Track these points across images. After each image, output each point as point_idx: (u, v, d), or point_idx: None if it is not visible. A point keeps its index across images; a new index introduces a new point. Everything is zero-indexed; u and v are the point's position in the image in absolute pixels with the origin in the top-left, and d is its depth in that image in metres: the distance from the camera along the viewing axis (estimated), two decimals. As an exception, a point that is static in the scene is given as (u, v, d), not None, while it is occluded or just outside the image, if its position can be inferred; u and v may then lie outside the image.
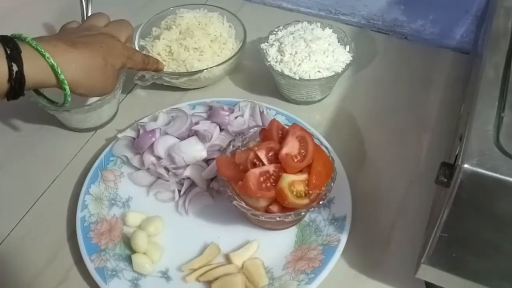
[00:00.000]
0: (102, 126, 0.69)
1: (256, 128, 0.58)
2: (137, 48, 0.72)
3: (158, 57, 0.71)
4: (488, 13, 0.60)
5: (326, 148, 0.56)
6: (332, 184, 0.53)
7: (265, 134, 0.55)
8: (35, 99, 0.62)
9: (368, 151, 0.65)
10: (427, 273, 0.45)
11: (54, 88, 0.53)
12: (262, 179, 0.50)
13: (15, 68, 0.48)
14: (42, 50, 0.50)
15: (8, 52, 0.48)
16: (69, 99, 0.54)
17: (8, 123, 0.71)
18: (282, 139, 0.53)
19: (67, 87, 0.53)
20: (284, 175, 0.50)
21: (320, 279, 0.51)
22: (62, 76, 0.51)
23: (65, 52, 0.52)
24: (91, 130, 0.69)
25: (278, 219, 0.51)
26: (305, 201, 0.50)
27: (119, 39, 0.60)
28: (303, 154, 0.51)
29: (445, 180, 0.41)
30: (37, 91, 0.60)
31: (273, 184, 0.50)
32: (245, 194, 0.50)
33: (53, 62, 0.50)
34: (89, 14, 0.73)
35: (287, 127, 0.55)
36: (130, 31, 0.64)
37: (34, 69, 0.50)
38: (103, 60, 0.55)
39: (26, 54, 0.49)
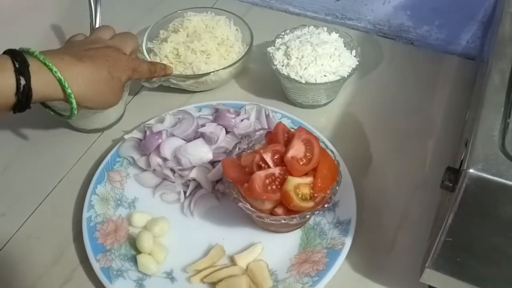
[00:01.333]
0: (109, 127, 0.69)
1: (262, 131, 0.59)
2: (144, 51, 0.73)
3: (165, 60, 0.71)
4: (494, 19, 0.60)
5: (332, 151, 0.56)
6: (337, 187, 0.53)
7: (271, 137, 0.55)
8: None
9: (374, 155, 0.65)
10: (432, 277, 0.45)
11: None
12: (267, 181, 0.50)
13: (22, 81, 0.49)
14: (50, 64, 0.51)
15: (17, 65, 0.49)
16: (76, 112, 0.55)
17: (15, 124, 0.71)
18: (288, 142, 0.53)
19: (73, 101, 0.53)
20: (290, 178, 0.50)
21: (324, 282, 0.51)
22: (69, 90, 0.52)
23: (71, 65, 0.53)
24: (98, 131, 0.69)
25: (283, 221, 0.51)
26: (310, 204, 0.50)
27: (124, 51, 0.61)
28: (309, 157, 0.52)
29: (450, 184, 0.41)
30: (44, 103, 0.61)
31: (279, 186, 0.50)
32: (251, 196, 0.51)
33: (60, 76, 0.51)
34: (98, 15, 0.74)
35: (292, 130, 0.55)
36: (135, 43, 0.64)
37: (41, 82, 0.51)
38: (108, 74, 0.56)
39: (34, 68, 0.50)
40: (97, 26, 0.74)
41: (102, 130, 0.69)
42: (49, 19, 0.86)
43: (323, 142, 0.57)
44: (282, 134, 0.54)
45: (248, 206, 0.52)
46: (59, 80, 0.51)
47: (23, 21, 0.86)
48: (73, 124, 0.69)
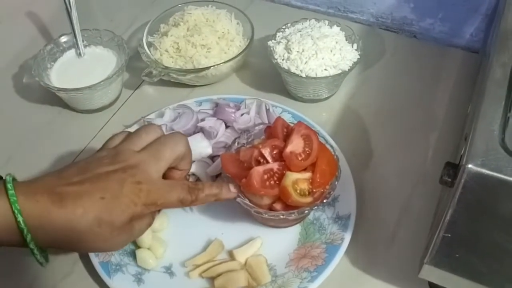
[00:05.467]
0: (104, 108, 0.71)
1: (261, 126, 0.58)
2: (145, 45, 0.72)
3: (165, 54, 0.71)
4: (497, 12, 0.59)
5: (331, 146, 0.56)
6: (336, 183, 0.52)
7: (270, 131, 0.55)
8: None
9: (374, 149, 0.64)
10: (430, 273, 0.45)
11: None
12: (266, 176, 0.50)
13: None
14: (16, 211, 0.41)
15: None
16: (46, 263, 0.46)
17: (16, 119, 0.71)
18: (287, 137, 0.53)
19: (37, 256, 0.44)
20: (288, 173, 0.50)
21: (323, 277, 0.51)
22: (31, 245, 0.43)
23: (44, 212, 0.42)
24: (91, 112, 0.71)
25: (282, 217, 0.51)
26: (309, 199, 0.50)
27: (150, 171, 0.46)
28: (308, 152, 0.51)
29: (449, 180, 0.40)
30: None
31: (277, 182, 0.50)
32: (249, 191, 0.50)
33: (23, 226, 0.41)
34: (74, 19, 0.70)
35: (292, 125, 0.55)
36: (178, 152, 0.49)
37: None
38: (94, 220, 0.43)
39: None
40: (75, 29, 0.71)
41: (96, 111, 0.71)
42: (40, 18, 0.86)
43: (323, 137, 0.57)
44: (281, 129, 0.54)
45: (247, 201, 0.52)
46: (21, 230, 0.42)
47: (15, 19, 0.86)
48: (68, 103, 0.70)
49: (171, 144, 0.49)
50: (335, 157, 0.54)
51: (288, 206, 0.50)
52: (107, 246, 0.46)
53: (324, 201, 0.51)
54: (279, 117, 0.56)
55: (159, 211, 0.50)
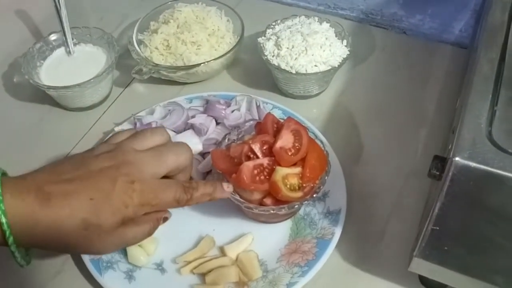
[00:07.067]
0: (94, 106, 0.71)
1: (251, 122, 0.58)
2: (135, 42, 0.72)
3: (155, 51, 0.71)
4: (485, 7, 0.60)
5: (321, 141, 0.56)
6: (326, 177, 0.53)
7: (260, 127, 0.55)
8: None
9: (365, 145, 0.64)
10: (420, 266, 0.45)
11: None
12: (256, 172, 0.50)
13: None
14: (0, 212, 0.39)
15: None
16: (29, 261, 0.45)
17: (6, 114, 0.71)
18: (277, 133, 0.53)
19: (17, 259, 0.42)
20: (278, 168, 0.50)
21: (314, 272, 0.51)
22: (12, 248, 0.41)
23: (30, 212, 0.40)
24: (82, 110, 0.70)
25: (272, 212, 0.51)
26: (299, 194, 0.50)
27: (152, 171, 0.45)
28: (297, 147, 0.51)
29: (437, 173, 0.41)
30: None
31: (267, 177, 0.50)
32: (239, 186, 0.51)
33: (6, 228, 0.39)
34: (64, 18, 0.70)
35: (282, 120, 0.55)
36: (181, 161, 0.48)
37: None
38: (82, 222, 0.41)
39: None
40: (65, 27, 0.70)
41: (86, 109, 0.71)
42: (33, 15, 0.85)
43: (313, 133, 0.57)
44: (272, 124, 0.54)
45: (237, 197, 0.52)
46: (4, 233, 0.40)
47: (8, 17, 0.85)
48: (58, 101, 0.70)
49: (177, 152, 0.48)
50: (325, 152, 0.54)
51: (279, 201, 0.51)
52: (95, 250, 0.44)
53: (314, 195, 0.51)
54: (269, 113, 0.56)
55: (163, 221, 0.47)
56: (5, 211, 0.39)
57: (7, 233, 0.40)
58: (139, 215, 0.45)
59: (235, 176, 0.50)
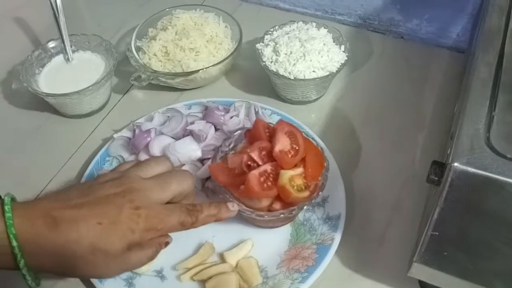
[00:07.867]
0: (92, 113, 0.71)
1: (240, 131, 0.58)
2: (133, 49, 0.72)
3: (154, 58, 0.71)
4: (482, 12, 0.60)
5: (313, 139, 0.56)
6: (326, 173, 0.53)
7: (250, 135, 0.55)
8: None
9: (363, 150, 0.65)
10: (420, 271, 0.45)
11: None
12: (262, 179, 0.50)
13: None
14: (11, 236, 0.41)
15: None
16: (38, 284, 0.46)
17: (5, 122, 0.71)
18: (270, 138, 0.53)
19: (29, 282, 0.44)
20: (282, 172, 0.50)
21: (314, 277, 0.51)
22: (24, 271, 0.42)
23: (39, 236, 0.42)
24: (81, 117, 0.70)
25: (282, 215, 0.51)
26: (306, 193, 0.51)
27: (157, 197, 0.47)
28: (296, 148, 0.52)
29: (436, 178, 0.41)
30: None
31: (273, 182, 0.50)
32: (250, 196, 0.50)
33: (17, 252, 0.41)
34: (62, 24, 0.70)
35: (272, 125, 0.55)
36: (184, 187, 0.49)
37: None
38: (89, 247, 0.42)
39: None
40: (63, 34, 0.71)
41: (85, 116, 0.71)
42: (36, 19, 0.86)
43: (312, 138, 0.57)
44: (263, 130, 0.54)
45: (244, 206, 0.51)
46: (15, 256, 0.41)
47: (12, 21, 0.86)
48: (57, 108, 0.70)
49: (179, 178, 0.49)
50: (320, 149, 0.55)
51: (286, 204, 0.51)
52: (100, 274, 0.46)
53: (320, 192, 0.52)
54: (258, 119, 0.56)
55: (165, 245, 0.48)
56: (16, 235, 0.41)
57: (19, 256, 0.41)
58: (145, 240, 0.46)
59: (243, 187, 0.50)
